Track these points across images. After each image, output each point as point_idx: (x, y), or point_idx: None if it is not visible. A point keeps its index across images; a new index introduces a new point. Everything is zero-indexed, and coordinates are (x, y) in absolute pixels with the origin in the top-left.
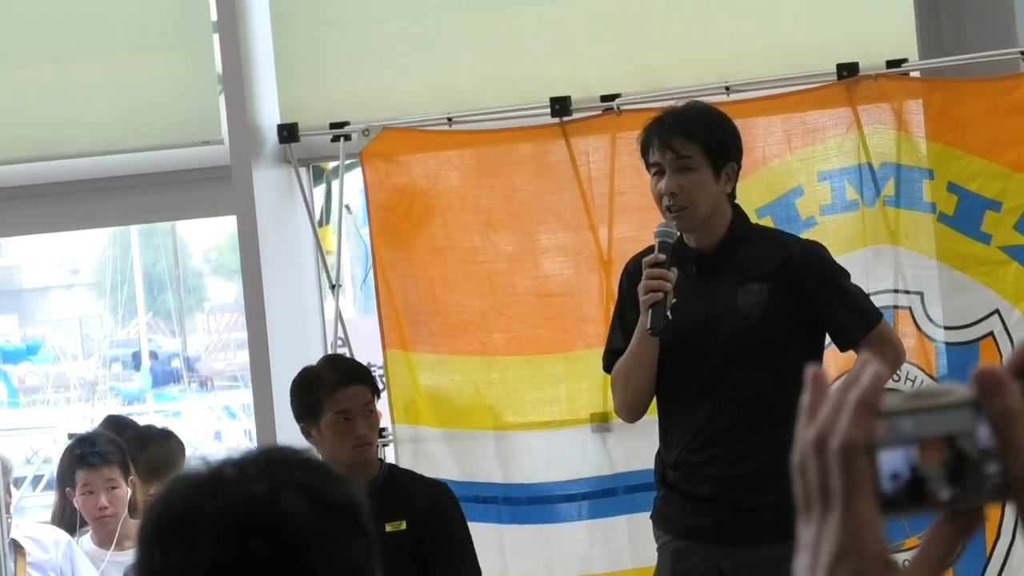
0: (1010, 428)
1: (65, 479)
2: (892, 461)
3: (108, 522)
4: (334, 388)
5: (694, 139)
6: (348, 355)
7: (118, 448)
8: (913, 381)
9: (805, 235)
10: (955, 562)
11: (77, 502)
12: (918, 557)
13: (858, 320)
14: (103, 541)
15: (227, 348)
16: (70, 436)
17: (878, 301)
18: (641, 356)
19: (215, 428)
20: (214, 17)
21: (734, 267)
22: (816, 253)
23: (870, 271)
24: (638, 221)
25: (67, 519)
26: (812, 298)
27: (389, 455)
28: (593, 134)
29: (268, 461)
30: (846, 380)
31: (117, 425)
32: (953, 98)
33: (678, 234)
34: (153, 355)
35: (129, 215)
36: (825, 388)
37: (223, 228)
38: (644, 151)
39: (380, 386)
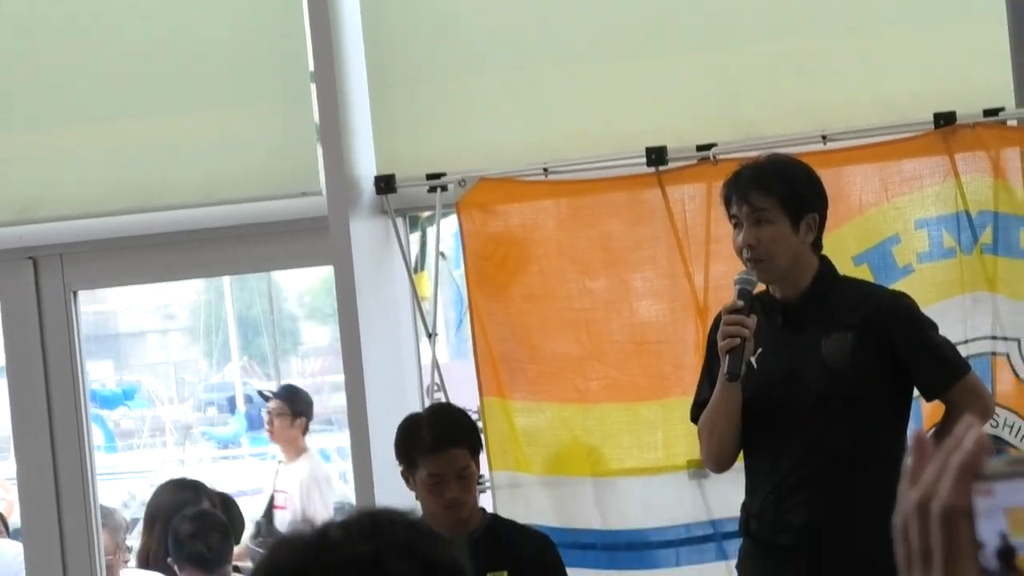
0: None
1: (172, 553)
2: (983, 530)
3: None
4: (428, 451)
5: (770, 192)
6: (444, 400)
7: (230, 544)
8: (1011, 428)
9: (902, 283)
10: None
11: None
12: None
13: (945, 371)
14: None
15: (321, 391)
16: (185, 513)
17: (975, 348)
18: (724, 405)
19: None
20: (311, 68)
21: (819, 317)
22: (903, 304)
23: (968, 318)
24: (734, 268)
25: (153, 561)
26: (898, 349)
27: (487, 501)
28: (689, 183)
29: (373, 522)
30: (951, 442)
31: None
32: None
33: (757, 282)
34: (248, 399)
35: (227, 266)
36: (928, 452)
37: (316, 272)
38: (726, 205)
39: (481, 442)
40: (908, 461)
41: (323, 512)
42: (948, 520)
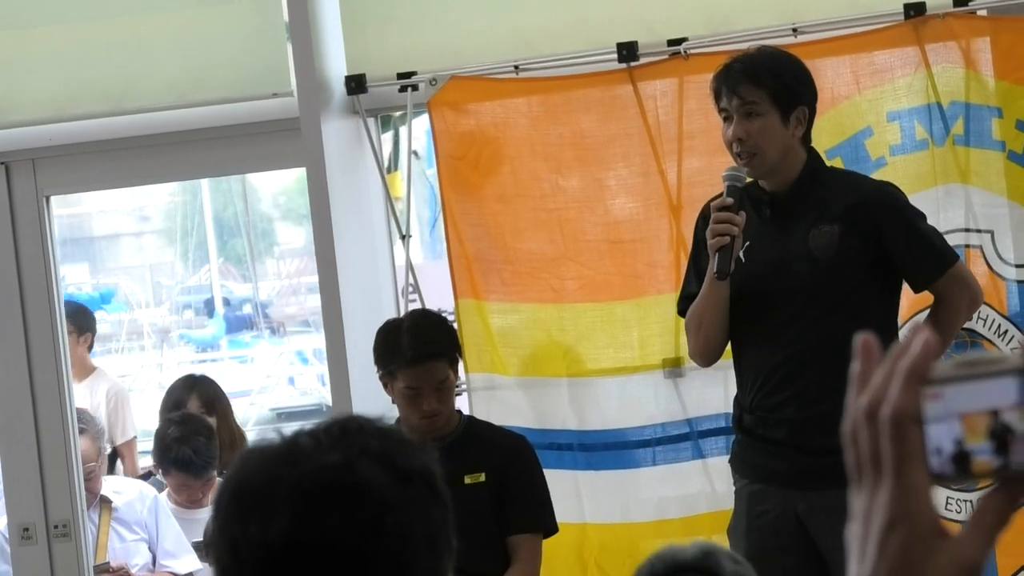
0: None
1: (159, 457)
2: (937, 436)
3: (197, 510)
4: (407, 364)
5: (760, 85)
6: (419, 302)
7: (215, 448)
8: (985, 320)
9: (875, 175)
10: (1006, 529)
11: (169, 484)
12: (970, 525)
13: (933, 261)
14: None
15: (298, 292)
16: (171, 417)
17: (949, 240)
18: (712, 300)
19: (288, 373)
20: None
21: (807, 210)
22: (890, 194)
23: (941, 210)
24: (707, 165)
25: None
26: (885, 239)
27: (463, 403)
28: (660, 78)
29: (342, 430)
30: (899, 347)
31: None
32: (1021, 36)
33: (747, 178)
34: (226, 301)
35: (200, 169)
36: (875, 356)
37: (291, 173)
38: (716, 98)
39: (461, 351)
40: (855, 366)
41: (130, 431)
42: (897, 425)
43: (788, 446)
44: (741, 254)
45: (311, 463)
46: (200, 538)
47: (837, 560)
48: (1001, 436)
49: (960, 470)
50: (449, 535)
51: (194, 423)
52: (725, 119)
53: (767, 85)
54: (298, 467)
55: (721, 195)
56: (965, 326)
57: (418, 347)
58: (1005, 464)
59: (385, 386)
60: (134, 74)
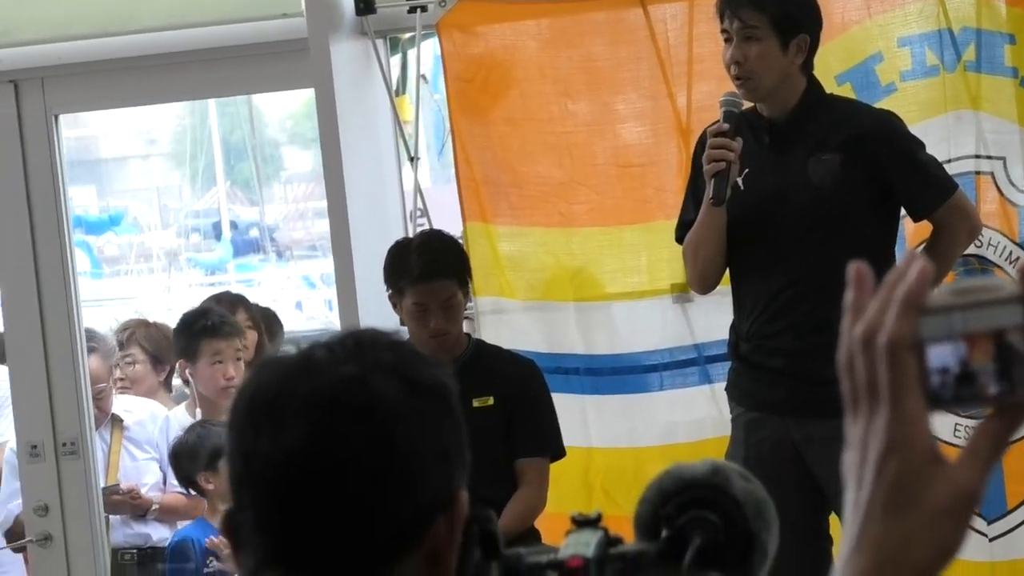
0: None
1: (182, 351)
2: (941, 356)
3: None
4: (415, 281)
5: (762, 10)
6: (428, 225)
7: (239, 322)
8: (995, 247)
9: (885, 101)
10: (1002, 456)
11: (200, 372)
12: (966, 452)
13: (932, 190)
14: (211, 413)
15: (305, 217)
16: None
17: (960, 167)
18: (709, 227)
19: (295, 298)
20: None
21: (806, 137)
22: (890, 123)
23: (951, 137)
24: (716, 88)
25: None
26: (885, 168)
27: (470, 326)
28: (671, 2)
29: (357, 343)
30: (893, 275)
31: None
32: None
33: (744, 103)
34: (233, 225)
35: (207, 88)
36: (868, 284)
37: (298, 97)
38: (720, 18)
39: (470, 272)
40: (848, 295)
41: None
42: (894, 353)
43: (785, 375)
44: (739, 180)
45: (324, 376)
46: None
47: (834, 489)
48: (1006, 357)
49: (962, 392)
50: (463, 451)
51: (213, 307)
52: (726, 40)
53: (769, 11)
54: (311, 380)
55: (719, 121)
56: (976, 252)
57: (426, 264)
58: (1006, 390)
59: (394, 305)
60: None
